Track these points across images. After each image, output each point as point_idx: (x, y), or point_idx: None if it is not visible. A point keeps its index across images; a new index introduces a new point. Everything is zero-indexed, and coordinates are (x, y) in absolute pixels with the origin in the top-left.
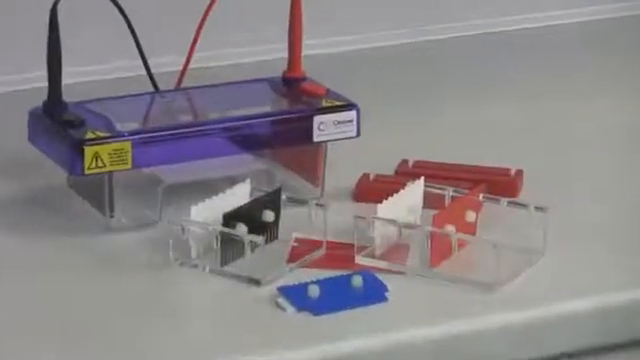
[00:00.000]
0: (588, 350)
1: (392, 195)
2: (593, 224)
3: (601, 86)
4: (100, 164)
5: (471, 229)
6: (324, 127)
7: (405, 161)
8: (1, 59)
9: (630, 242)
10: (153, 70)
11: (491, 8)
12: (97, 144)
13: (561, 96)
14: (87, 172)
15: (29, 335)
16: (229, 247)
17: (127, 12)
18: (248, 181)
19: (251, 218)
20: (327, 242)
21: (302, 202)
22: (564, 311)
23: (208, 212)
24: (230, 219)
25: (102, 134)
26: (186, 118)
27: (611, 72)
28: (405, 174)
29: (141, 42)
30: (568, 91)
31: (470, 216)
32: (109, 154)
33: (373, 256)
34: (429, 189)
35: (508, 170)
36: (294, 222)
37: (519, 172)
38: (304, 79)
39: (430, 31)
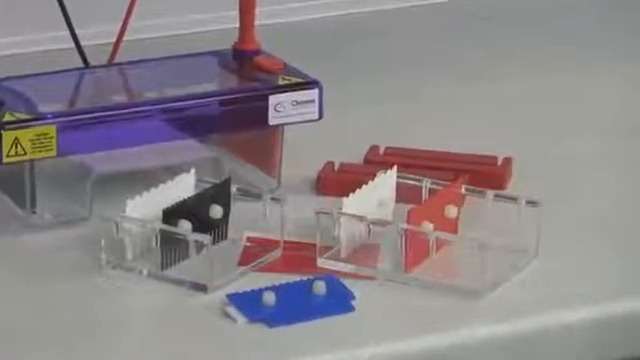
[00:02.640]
0: None
1: (360, 187)
2: (593, 221)
3: (599, 60)
4: (20, 151)
5: (452, 227)
6: (281, 108)
7: (375, 147)
8: None
9: (635, 242)
10: (82, 42)
11: None
12: (17, 128)
13: (554, 73)
14: (5, 160)
15: None
16: (170, 248)
17: None
18: (192, 171)
19: (196, 214)
20: (284, 242)
21: (255, 195)
22: (558, 322)
23: (146, 207)
24: (171, 215)
25: (22, 116)
26: (120, 98)
27: (609, 44)
28: (375, 163)
29: (69, 10)
30: (562, 67)
31: (451, 211)
32: (31, 140)
33: (338, 258)
34: (403, 180)
35: (495, 158)
36: (246, 219)
37: (507, 160)
38: (258, 52)
39: None
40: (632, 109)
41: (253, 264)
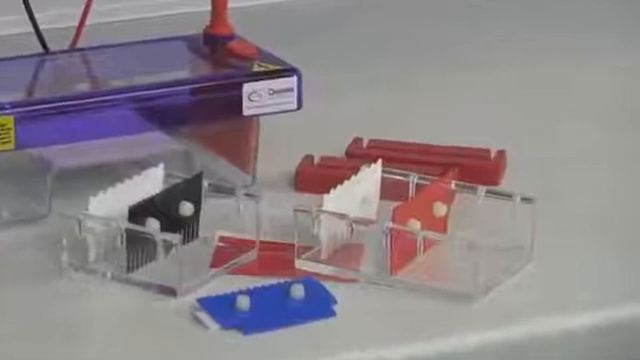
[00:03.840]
0: None
1: (342, 183)
2: (592, 218)
3: (595, 49)
4: None
5: (441, 225)
6: (256, 97)
7: (358, 140)
8: None
9: (637, 241)
10: (41, 26)
11: None
12: None
13: (549, 62)
14: None
15: None
16: (137, 248)
17: None
18: (161, 165)
19: (164, 212)
20: (260, 242)
21: (229, 191)
22: (556, 329)
23: (110, 204)
24: (138, 213)
25: None
26: (83, 87)
27: (605, 32)
28: (358, 156)
29: None
30: (558, 55)
31: (440, 209)
32: None
33: (318, 259)
34: (388, 175)
35: (487, 151)
36: (219, 217)
37: (500, 154)
38: (231, 37)
39: None
40: (631, 99)
41: (226, 266)
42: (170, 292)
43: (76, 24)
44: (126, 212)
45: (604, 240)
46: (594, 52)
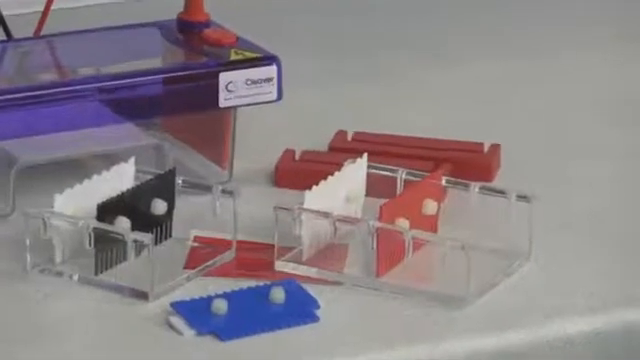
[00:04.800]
0: None
1: (325, 179)
2: (592, 217)
3: (586, 39)
4: None
5: (431, 224)
6: (234, 88)
7: (342, 133)
8: None
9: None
10: (4, 12)
11: None
12: None
13: (540, 53)
14: None
15: None
16: (106, 249)
17: None
18: (132, 160)
19: (135, 210)
20: (238, 242)
21: (204, 188)
22: (555, 334)
23: (78, 202)
24: (107, 211)
25: None
26: (49, 76)
27: (595, 22)
28: (342, 150)
29: None
30: (547, 47)
31: (430, 207)
32: None
33: (299, 261)
34: (374, 171)
35: (480, 145)
36: (193, 215)
37: (495, 148)
38: (207, 24)
39: None
40: (630, 91)
41: (201, 267)
42: (141, 296)
43: (41, 9)
44: (94, 210)
45: (605, 240)
46: (587, 43)
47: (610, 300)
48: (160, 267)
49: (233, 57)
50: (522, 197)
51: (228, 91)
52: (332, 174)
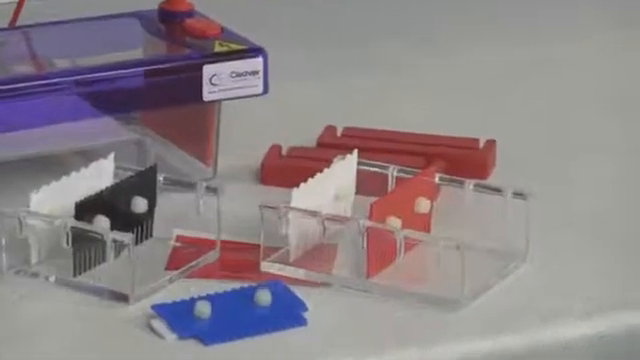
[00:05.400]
0: None
1: (313, 176)
2: (592, 216)
3: (585, 27)
4: None
5: (424, 224)
6: (218, 81)
7: (331, 128)
8: None
9: None
10: None
11: None
12: None
13: (536, 42)
14: None
15: None
16: (84, 249)
17: None
18: (111, 156)
19: (115, 208)
20: (222, 242)
21: (187, 186)
22: (553, 339)
23: (55, 200)
24: (86, 210)
25: None
26: (23, 68)
27: (593, 9)
28: (331, 146)
29: None
30: (544, 35)
31: (422, 205)
32: None
33: (286, 262)
34: (365, 167)
35: (475, 141)
36: (176, 214)
37: (490, 144)
38: (190, 13)
39: None
40: (631, 80)
41: (184, 268)
42: (121, 298)
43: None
44: (72, 209)
45: (605, 240)
46: (582, 30)
47: (610, 303)
48: (141, 268)
49: (217, 49)
50: (519, 195)
51: (212, 84)
52: (320, 171)
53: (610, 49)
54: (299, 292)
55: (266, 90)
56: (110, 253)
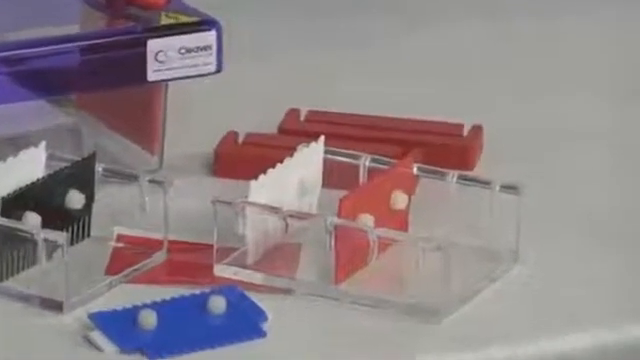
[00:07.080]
0: None
1: (274, 166)
2: (589, 212)
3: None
4: None
5: (400, 221)
6: (164, 58)
7: (294, 111)
8: None
9: None
10: None
11: None
12: None
13: (523, 17)
14: None
15: None
16: (12, 250)
17: None
18: (43, 144)
19: (48, 204)
20: (169, 242)
21: (129, 177)
22: (545, 350)
23: None
24: (13, 205)
25: None
26: None
27: None
28: (294, 132)
29: None
30: (533, 9)
31: (399, 200)
32: None
33: (243, 264)
34: (333, 157)
35: (459, 127)
36: (116, 210)
37: (477, 130)
38: None
39: None
40: (628, 61)
41: (126, 272)
42: (54, 306)
43: None
44: None
45: (604, 239)
46: (579, 5)
47: (609, 310)
48: (77, 272)
49: (164, 21)
50: (508, 188)
51: (158, 62)
52: (282, 161)
53: (606, 25)
54: (257, 299)
55: (220, 68)
56: (41, 255)
